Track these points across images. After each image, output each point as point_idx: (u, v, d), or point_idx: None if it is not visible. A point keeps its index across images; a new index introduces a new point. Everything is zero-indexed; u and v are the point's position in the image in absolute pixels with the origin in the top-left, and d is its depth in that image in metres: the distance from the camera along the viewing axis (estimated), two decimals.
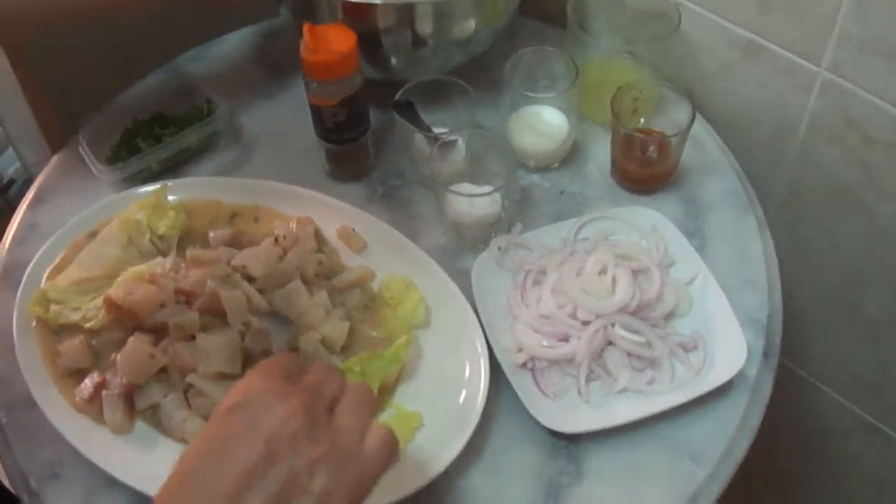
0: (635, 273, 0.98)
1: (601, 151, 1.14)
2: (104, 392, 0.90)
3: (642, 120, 1.11)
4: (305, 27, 1.00)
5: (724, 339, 0.95)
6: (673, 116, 1.08)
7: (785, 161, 1.19)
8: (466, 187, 1.03)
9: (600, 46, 1.14)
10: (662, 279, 0.98)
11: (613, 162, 1.11)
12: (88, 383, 0.91)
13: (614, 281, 0.98)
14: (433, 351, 0.96)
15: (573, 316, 0.96)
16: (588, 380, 0.94)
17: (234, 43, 1.33)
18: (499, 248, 1.02)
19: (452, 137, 1.05)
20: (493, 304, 0.98)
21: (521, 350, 0.95)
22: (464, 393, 0.92)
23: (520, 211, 1.09)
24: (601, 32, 1.16)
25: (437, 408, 0.91)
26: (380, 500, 0.84)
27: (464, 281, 1.00)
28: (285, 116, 1.20)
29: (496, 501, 0.88)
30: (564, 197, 1.11)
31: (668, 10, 1.14)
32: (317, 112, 1.07)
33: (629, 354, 0.95)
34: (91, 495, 0.89)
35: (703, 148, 1.16)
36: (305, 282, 0.97)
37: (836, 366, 1.37)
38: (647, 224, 1.05)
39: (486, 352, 0.93)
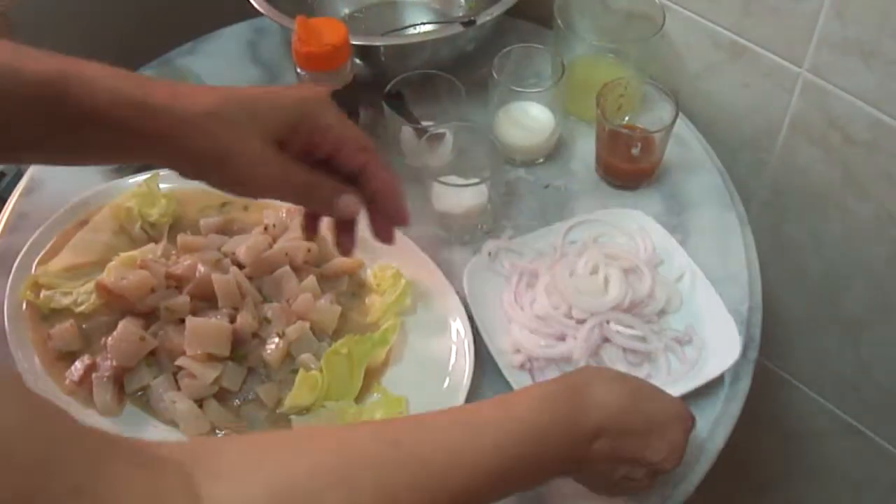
0: (626, 272, 1.00)
1: (586, 147, 1.16)
2: (94, 375, 0.91)
3: (627, 117, 1.13)
4: (298, 20, 1.02)
5: (716, 333, 0.97)
6: (657, 114, 1.09)
7: (767, 160, 1.21)
8: (453, 179, 1.04)
9: (586, 46, 1.16)
10: (653, 277, 1.00)
11: (598, 157, 1.13)
12: (79, 366, 0.92)
13: (606, 280, 0.99)
14: (419, 337, 0.98)
15: (568, 315, 0.97)
16: None
17: (226, 37, 1.34)
18: (489, 254, 1.03)
19: (440, 130, 1.07)
20: (487, 307, 0.99)
21: (518, 351, 0.97)
22: (448, 379, 0.93)
23: (505, 204, 1.11)
24: (587, 32, 1.18)
25: (422, 393, 0.93)
26: None
27: (450, 270, 1.01)
28: None
29: None
30: (549, 191, 1.13)
31: (653, 11, 1.15)
32: None
33: (625, 351, 0.97)
34: None
35: (687, 146, 1.18)
36: (294, 269, 0.98)
37: (816, 365, 1.39)
38: (633, 225, 1.06)
39: (470, 339, 0.94)
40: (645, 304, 0.99)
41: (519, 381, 0.94)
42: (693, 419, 0.82)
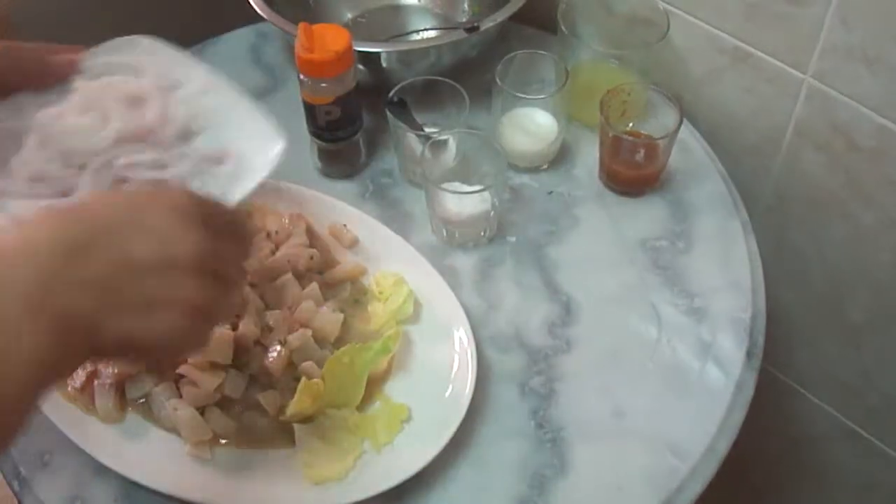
0: (129, 101, 0.85)
1: (589, 153, 1.15)
2: (96, 382, 0.92)
3: (630, 123, 1.12)
4: (301, 26, 1.02)
5: (253, 140, 0.86)
6: (661, 120, 1.09)
7: (771, 166, 1.20)
8: (457, 186, 1.05)
9: (589, 52, 1.16)
10: (164, 98, 0.86)
11: (601, 163, 1.12)
12: (80, 373, 0.92)
13: (105, 115, 0.84)
14: (422, 345, 0.97)
15: (69, 165, 0.82)
16: None
17: (230, 42, 1.34)
18: None
19: (443, 137, 1.07)
20: None
21: None
22: (451, 387, 0.93)
23: (509, 210, 1.10)
24: (590, 38, 1.18)
25: (425, 401, 0.92)
26: (366, 491, 0.86)
27: (453, 277, 1.01)
28: (278, 114, 1.21)
29: (482, 493, 0.89)
30: (553, 197, 1.13)
31: (657, 16, 1.15)
32: (310, 110, 1.08)
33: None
34: (81, 484, 0.90)
35: (691, 152, 1.18)
36: (297, 276, 0.98)
37: (819, 371, 1.39)
38: (134, 54, 0.91)
39: (473, 347, 0.94)
40: (160, 130, 0.85)
41: None
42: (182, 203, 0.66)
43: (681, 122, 1.06)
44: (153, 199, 0.65)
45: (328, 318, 0.96)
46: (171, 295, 0.63)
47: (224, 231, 0.68)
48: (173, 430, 0.91)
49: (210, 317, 0.66)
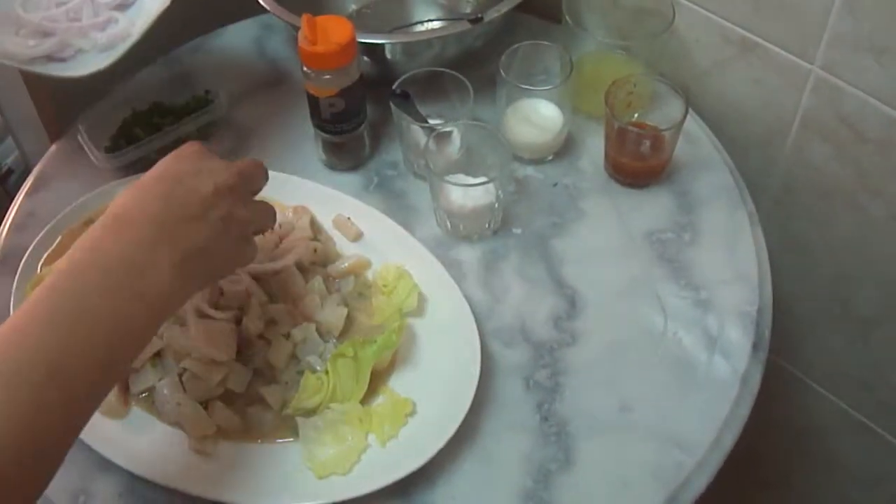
0: None
1: (595, 145, 1.15)
2: None
3: (636, 114, 1.12)
4: (304, 18, 1.01)
5: None
6: (666, 111, 1.09)
7: (778, 158, 1.20)
8: (461, 178, 1.04)
9: (595, 43, 1.15)
10: None
11: (607, 155, 1.12)
12: None
13: None
14: (426, 339, 0.97)
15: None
16: None
17: (233, 34, 1.34)
18: None
19: (448, 129, 1.06)
20: None
21: None
22: (455, 380, 0.92)
23: (514, 202, 1.10)
24: (596, 28, 1.17)
25: (430, 395, 0.92)
26: (370, 485, 0.86)
27: (457, 270, 1.01)
28: (283, 106, 1.21)
29: (486, 487, 0.89)
30: (558, 189, 1.12)
31: (663, 6, 1.14)
32: (314, 102, 1.08)
33: None
34: (86, 478, 0.90)
35: (697, 143, 1.17)
36: (301, 269, 0.98)
37: (827, 363, 1.38)
38: None
39: (477, 340, 0.94)
40: None
41: None
42: None
43: (686, 113, 1.05)
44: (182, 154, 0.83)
45: (332, 311, 0.96)
46: (230, 212, 0.80)
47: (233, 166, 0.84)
48: (177, 424, 0.90)
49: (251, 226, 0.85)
